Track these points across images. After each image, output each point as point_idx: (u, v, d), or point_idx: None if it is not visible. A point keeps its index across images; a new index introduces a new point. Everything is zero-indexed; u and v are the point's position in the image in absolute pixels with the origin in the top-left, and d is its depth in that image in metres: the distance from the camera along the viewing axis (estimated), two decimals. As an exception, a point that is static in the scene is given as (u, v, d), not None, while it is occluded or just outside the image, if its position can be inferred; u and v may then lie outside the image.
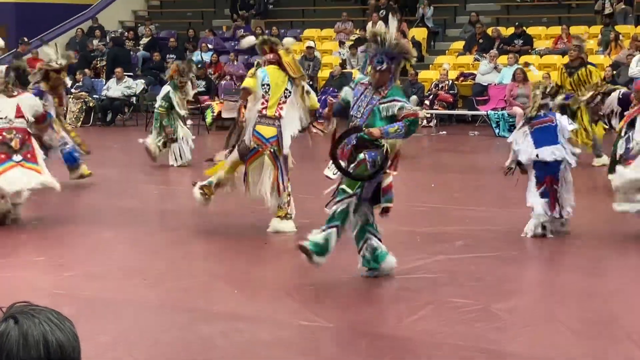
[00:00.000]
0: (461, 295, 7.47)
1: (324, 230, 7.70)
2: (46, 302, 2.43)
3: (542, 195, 9.42)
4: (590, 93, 12.57)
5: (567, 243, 9.44)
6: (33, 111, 10.49)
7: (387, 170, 7.76)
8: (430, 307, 7.17)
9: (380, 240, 7.90)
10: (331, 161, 7.85)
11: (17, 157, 10.16)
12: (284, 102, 9.80)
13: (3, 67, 10.77)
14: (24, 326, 2.09)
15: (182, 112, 15.40)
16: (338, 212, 7.68)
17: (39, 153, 10.52)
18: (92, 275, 8.30)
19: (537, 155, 9.41)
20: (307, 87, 10.11)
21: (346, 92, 8.12)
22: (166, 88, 15.41)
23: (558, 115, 9.82)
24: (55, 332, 2.11)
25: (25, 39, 25.85)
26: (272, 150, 9.72)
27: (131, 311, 7.34)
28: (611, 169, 11.87)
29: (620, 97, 12.33)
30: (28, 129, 10.42)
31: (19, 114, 10.34)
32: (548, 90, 10.00)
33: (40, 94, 12.19)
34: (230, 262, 9.00)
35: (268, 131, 9.71)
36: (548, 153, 9.42)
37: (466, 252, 9.04)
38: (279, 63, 9.89)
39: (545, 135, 9.48)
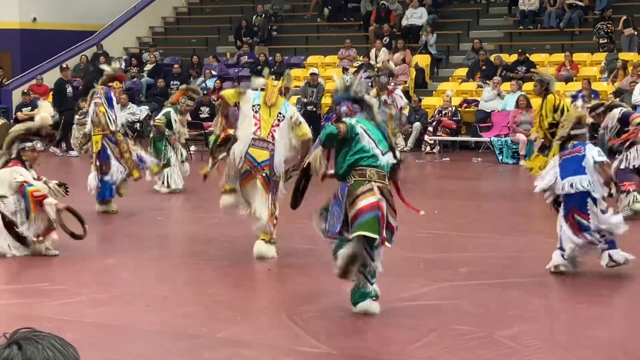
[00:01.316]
0: (465, 322, 7.46)
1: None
2: (49, 328, 2.43)
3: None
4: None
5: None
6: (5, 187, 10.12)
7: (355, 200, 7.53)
8: (433, 334, 7.15)
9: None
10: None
11: None
12: (277, 125, 9.79)
13: None
14: (28, 352, 2.09)
15: (184, 135, 15.56)
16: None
17: None
18: (96, 301, 8.30)
19: (562, 188, 9.09)
20: (295, 117, 9.92)
21: None
22: (167, 109, 15.52)
23: (589, 146, 9.36)
24: (58, 358, 2.11)
25: (65, 65, 25.83)
26: (264, 174, 9.72)
27: (134, 337, 7.33)
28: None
29: (621, 116, 12.34)
30: None
31: None
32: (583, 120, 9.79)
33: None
34: (233, 288, 8.98)
35: (261, 154, 9.70)
36: (567, 184, 9.09)
37: (470, 279, 9.03)
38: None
39: (571, 165, 9.13)
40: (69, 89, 22.67)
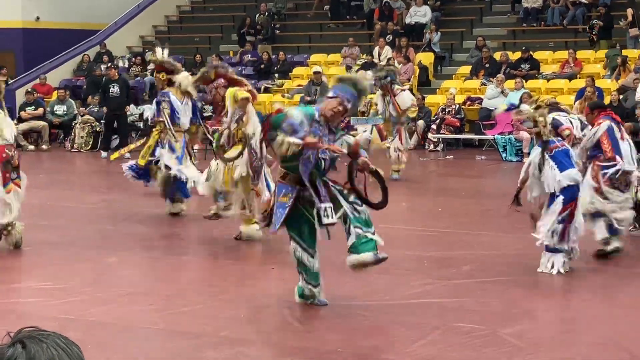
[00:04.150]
0: (469, 320, 7.46)
1: None
2: (53, 326, 2.44)
3: (560, 221, 9.09)
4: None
5: (574, 268, 9.42)
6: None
7: None
8: (437, 332, 7.16)
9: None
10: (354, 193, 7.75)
11: (14, 175, 10.27)
12: None
13: None
14: (32, 351, 2.10)
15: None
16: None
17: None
18: (99, 300, 8.30)
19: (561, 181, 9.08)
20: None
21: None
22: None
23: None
24: (62, 356, 2.11)
25: (110, 64, 25.64)
26: None
27: (138, 336, 7.33)
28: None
29: (552, 124, 11.72)
30: None
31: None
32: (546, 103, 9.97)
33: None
34: (236, 287, 8.98)
35: None
36: (572, 176, 9.16)
37: (473, 277, 9.03)
38: (233, 82, 10.24)
39: (565, 158, 9.22)
40: (113, 89, 22.31)
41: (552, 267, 9.08)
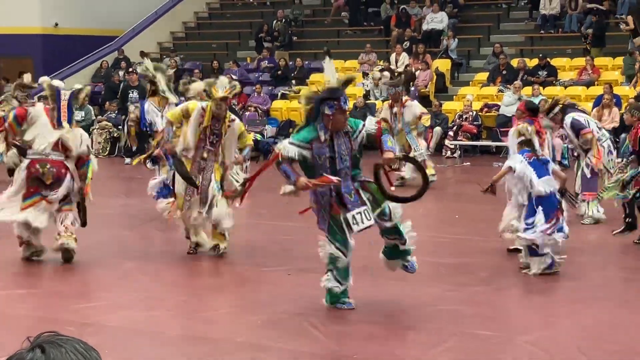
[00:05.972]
0: (485, 326, 7.45)
1: None
2: (70, 331, 2.45)
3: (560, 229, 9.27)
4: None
5: (590, 275, 9.39)
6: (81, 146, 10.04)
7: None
8: (454, 339, 7.15)
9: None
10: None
11: (46, 192, 9.81)
12: None
13: (68, 92, 10.51)
14: (51, 355, 2.11)
15: None
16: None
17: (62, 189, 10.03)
18: (116, 305, 8.33)
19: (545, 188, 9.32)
20: None
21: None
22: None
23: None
24: (81, 361, 2.13)
25: (132, 69, 25.67)
26: None
27: (155, 341, 7.35)
28: None
29: (571, 125, 11.90)
30: (66, 163, 9.96)
31: (57, 146, 9.87)
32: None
33: None
34: (253, 293, 8.99)
35: None
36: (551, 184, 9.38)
37: (490, 284, 9.01)
38: None
39: (542, 165, 9.46)
40: (133, 95, 22.17)
41: (532, 269, 9.24)
